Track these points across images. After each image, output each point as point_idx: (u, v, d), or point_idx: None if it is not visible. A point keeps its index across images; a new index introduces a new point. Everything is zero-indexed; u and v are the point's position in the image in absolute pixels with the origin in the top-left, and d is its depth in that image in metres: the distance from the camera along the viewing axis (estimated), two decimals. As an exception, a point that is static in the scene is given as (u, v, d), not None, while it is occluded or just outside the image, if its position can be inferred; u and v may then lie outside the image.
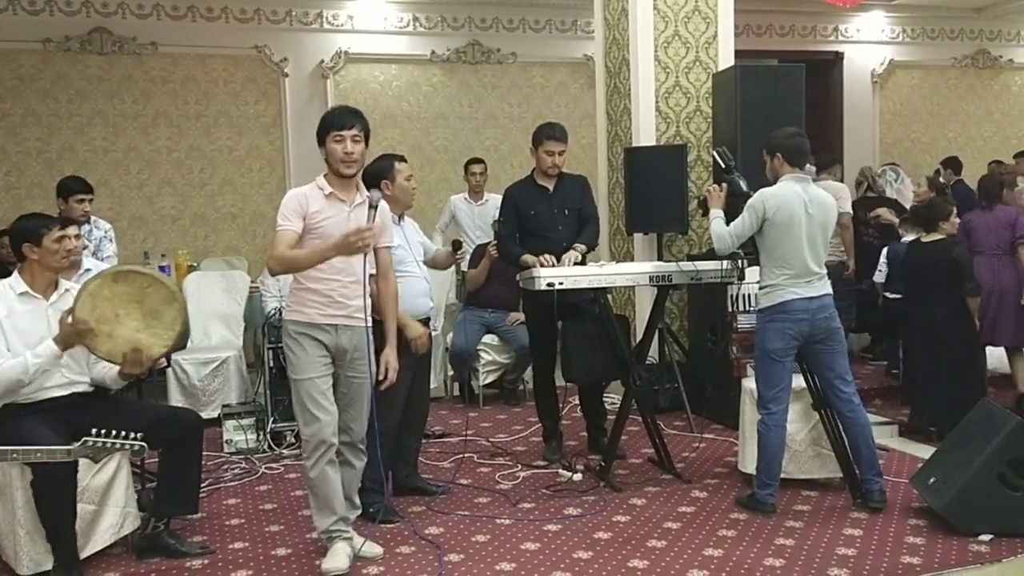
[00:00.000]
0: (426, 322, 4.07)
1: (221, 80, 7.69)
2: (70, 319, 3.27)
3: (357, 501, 3.61)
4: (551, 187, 4.67)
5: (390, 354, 3.53)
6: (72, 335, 3.28)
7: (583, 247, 4.54)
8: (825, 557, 3.45)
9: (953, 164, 8.23)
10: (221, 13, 7.61)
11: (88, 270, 4.37)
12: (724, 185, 4.18)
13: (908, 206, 6.59)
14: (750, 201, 3.90)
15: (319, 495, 3.39)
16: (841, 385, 3.91)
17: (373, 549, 3.55)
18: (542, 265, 4.31)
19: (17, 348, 3.34)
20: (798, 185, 3.87)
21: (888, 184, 7.04)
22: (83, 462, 3.29)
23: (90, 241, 4.99)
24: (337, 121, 3.36)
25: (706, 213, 4.22)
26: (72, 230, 4.00)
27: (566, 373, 4.67)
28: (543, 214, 4.63)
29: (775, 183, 3.92)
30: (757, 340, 3.94)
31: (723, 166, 4.23)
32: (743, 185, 4.10)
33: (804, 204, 3.83)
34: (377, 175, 3.95)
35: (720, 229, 4.00)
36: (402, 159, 4.14)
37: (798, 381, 3.99)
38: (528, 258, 4.44)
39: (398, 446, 4.14)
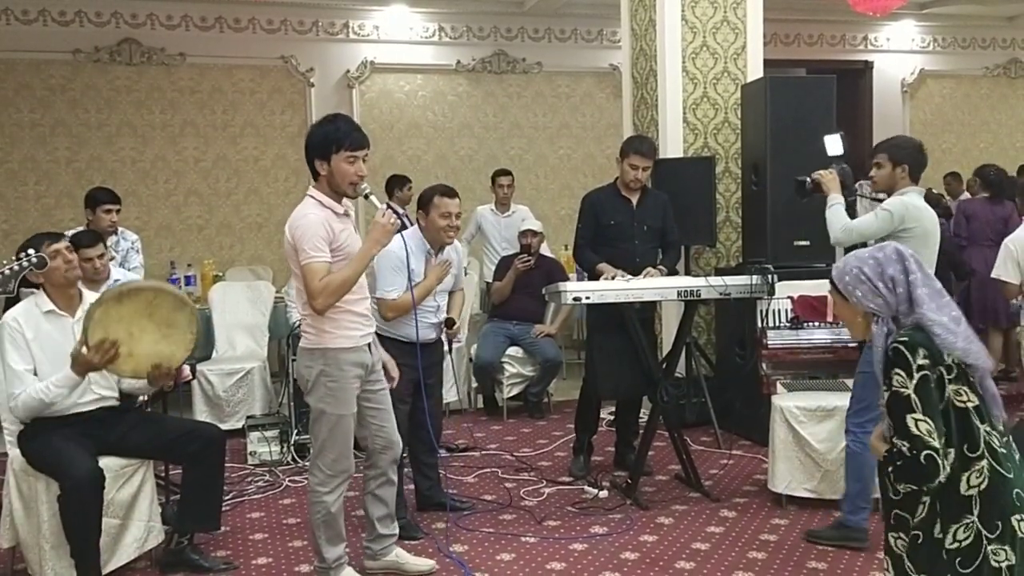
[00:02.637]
0: (432, 343, 4.03)
1: (248, 90, 7.73)
2: (84, 349, 3.18)
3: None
4: (635, 200, 4.63)
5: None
6: (93, 364, 3.20)
7: (664, 270, 4.52)
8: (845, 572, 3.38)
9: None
10: (248, 24, 7.66)
11: (117, 280, 4.37)
12: (833, 172, 3.83)
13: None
14: (890, 205, 3.55)
15: (334, 527, 3.27)
16: None
17: (423, 563, 3.55)
18: (613, 278, 4.31)
19: (45, 369, 3.33)
20: (923, 202, 3.62)
21: None
22: (109, 476, 3.29)
23: (117, 252, 5.01)
24: (353, 140, 3.13)
25: (804, 196, 3.87)
26: (95, 251, 3.97)
27: (593, 387, 4.63)
28: (622, 225, 4.59)
29: (883, 193, 3.64)
30: (868, 356, 3.52)
31: (840, 154, 3.87)
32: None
33: (936, 223, 3.59)
34: (418, 204, 3.98)
35: (844, 219, 3.64)
36: (447, 193, 3.93)
37: (832, 400, 3.90)
38: (604, 268, 4.44)
39: (414, 460, 4.12)
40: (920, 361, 2.07)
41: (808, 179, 3.82)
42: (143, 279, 3.75)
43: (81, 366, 3.22)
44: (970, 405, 2.12)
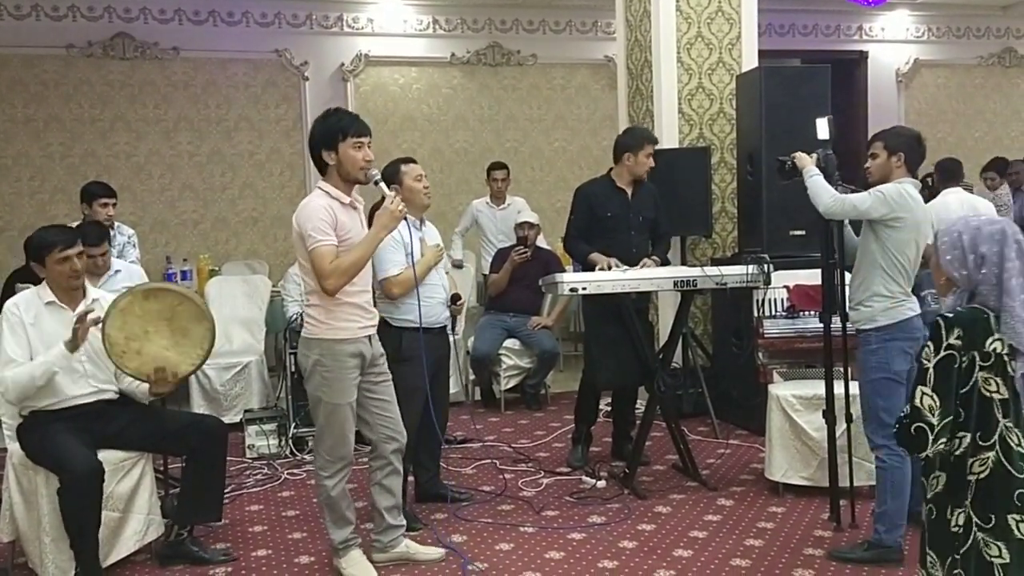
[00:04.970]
0: (443, 330, 4.03)
1: (242, 84, 7.72)
2: (104, 338, 3.25)
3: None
4: (630, 192, 4.64)
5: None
6: (83, 339, 3.24)
7: (659, 260, 4.56)
8: (856, 569, 3.39)
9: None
10: (242, 17, 7.64)
11: (118, 271, 4.36)
12: (816, 156, 3.70)
13: None
14: (885, 189, 3.41)
15: (337, 510, 3.36)
16: None
17: (433, 552, 3.58)
18: (609, 267, 4.32)
19: (41, 355, 3.32)
20: (918, 194, 3.52)
21: None
22: (108, 469, 3.29)
23: (113, 247, 4.99)
24: (355, 127, 3.23)
25: (785, 177, 3.78)
26: (98, 250, 3.98)
27: (591, 377, 4.64)
28: (619, 217, 4.61)
29: (876, 182, 3.51)
30: (876, 362, 3.41)
31: (826, 138, 3.75)
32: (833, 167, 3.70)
33: (928, 215, 3.52)
34: (385, 181, 3.94)
35: (829, 189, 3.49)
36: (409, 160, 4.04)
37: (820, 389, 3.89)
38: (597, 257, 4.44)
39: (419, 452, 4.12)
40: (951, 340, 2.09)
41: (789, 160, 3.75)
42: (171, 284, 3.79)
43: (73, 340, 3.23)
44: (996, 397, 2.11)
